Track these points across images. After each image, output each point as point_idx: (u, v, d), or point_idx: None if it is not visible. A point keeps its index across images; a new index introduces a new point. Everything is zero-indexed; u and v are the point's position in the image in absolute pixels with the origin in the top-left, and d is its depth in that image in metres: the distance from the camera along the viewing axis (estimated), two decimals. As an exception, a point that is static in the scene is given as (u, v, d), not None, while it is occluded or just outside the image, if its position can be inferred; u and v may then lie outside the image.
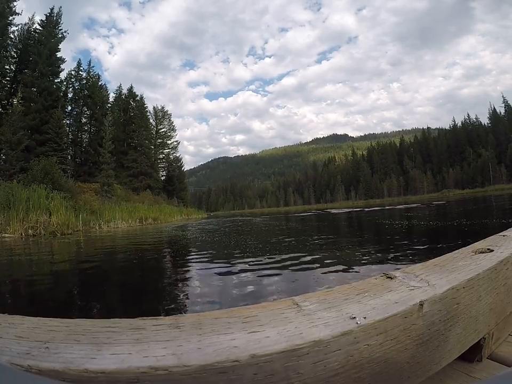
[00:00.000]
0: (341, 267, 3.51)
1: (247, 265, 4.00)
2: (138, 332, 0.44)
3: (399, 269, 0.76)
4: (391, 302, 0.55)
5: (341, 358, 0.47)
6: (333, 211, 24.95)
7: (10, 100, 24.62)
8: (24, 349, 0.39)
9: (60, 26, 28.64)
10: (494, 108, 79.56)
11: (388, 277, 0.67)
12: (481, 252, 0.85)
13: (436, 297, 0.59)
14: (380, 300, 0.56)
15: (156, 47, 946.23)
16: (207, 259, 4.81)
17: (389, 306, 0.54)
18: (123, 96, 38.85)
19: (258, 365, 0.41)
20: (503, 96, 77.77)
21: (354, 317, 0.50)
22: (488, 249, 0.86)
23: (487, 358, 0.76)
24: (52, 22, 27.95)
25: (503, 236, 1.02)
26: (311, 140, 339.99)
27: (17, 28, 26.24)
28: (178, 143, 45.51)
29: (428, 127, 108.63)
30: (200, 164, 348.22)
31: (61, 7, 28.93)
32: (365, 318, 0.50)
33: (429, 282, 0.63)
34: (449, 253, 0.86)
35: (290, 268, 3.63)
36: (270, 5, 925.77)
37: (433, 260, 0.81)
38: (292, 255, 4.58)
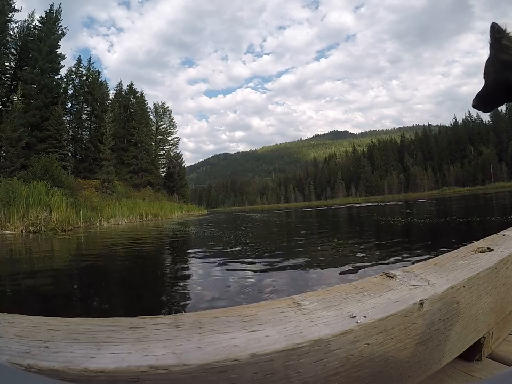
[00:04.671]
0: (339, 263, 3.51)
1: (246, 260, 4.00)
2: (138, 331, 0.44)
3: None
4: (391, 301, 0.55)
5: (341, 357, 0.46)
6: (334, 206, 25.99)
7: (10, 97, 24.48)
8: (23, 348, 0.38)
9: (60, 23, 28.46)
10: (496, 105, 79.08)
11: (388, 276, 0.67)
12: (481, 251, 0.85)
13: (436, 296, 0.59)
14: (380, 299, 0.56)
15: (154, 45, 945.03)
16: (207, 255, 4.82)
17: (389, 305, 0.54)
18: (123, 93, 38.67)
19: (258, 364, 0.41)
20: (504, 93, 77.15)
21: (354, 316, 0.50)
22: (488, 248, 0.86)
23: (487, 357, 0.76)
24: (51, 19, 27.71)
25: (503, 235, 1.02)
26: (311, 137, 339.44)
27: (16, 25, 26.12)
28: (179, 140, 45.51)
29: (428, 124, 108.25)
30: (201, 160, 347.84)
31: (60, 3, 28.74)
32: (365, 317, 0.50)
33: (429, 282, 0.63)
34: (449, 252, 0.86)
35: (289, 265, 3.64)
36: (268, 3, 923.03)
37: (433, 259, 0.80)
38: (290, 251, 4.58)
